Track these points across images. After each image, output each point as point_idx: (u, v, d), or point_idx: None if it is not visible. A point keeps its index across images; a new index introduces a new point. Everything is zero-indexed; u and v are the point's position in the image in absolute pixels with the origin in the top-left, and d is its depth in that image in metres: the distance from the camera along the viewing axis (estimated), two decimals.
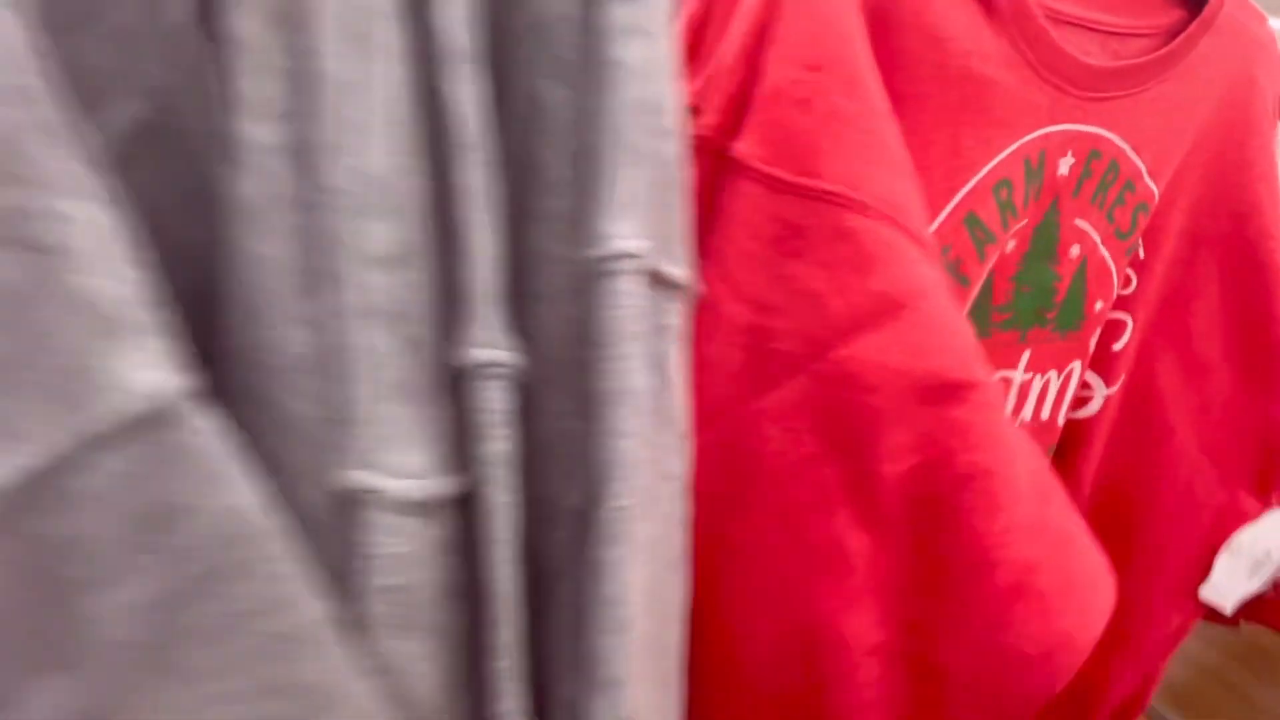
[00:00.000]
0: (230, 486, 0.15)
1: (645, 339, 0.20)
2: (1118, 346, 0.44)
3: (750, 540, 0.28)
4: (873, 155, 0.25)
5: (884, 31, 0.28)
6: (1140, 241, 0.41)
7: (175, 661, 0.15)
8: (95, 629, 0.14)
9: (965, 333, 0.28)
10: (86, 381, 0.13)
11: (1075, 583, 0.29)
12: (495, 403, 0.18)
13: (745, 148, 0.25)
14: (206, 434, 0.15)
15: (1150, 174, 0.39)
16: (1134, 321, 0.44)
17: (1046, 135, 0.34)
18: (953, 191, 0.33)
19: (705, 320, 0.26)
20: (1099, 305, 0.41)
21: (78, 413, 0.13)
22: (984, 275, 0.35)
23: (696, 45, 0.28)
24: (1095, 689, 0.55)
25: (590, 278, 0.19)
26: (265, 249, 0.17)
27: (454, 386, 0.19)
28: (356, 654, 0.17)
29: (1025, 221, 0.36)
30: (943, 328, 0.26)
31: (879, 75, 0.27)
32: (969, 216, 0.33)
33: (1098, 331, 0.42)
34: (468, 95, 0.17)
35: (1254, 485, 0.46)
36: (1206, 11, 0.37)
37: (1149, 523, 0.47)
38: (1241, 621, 0.50)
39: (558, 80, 0.19)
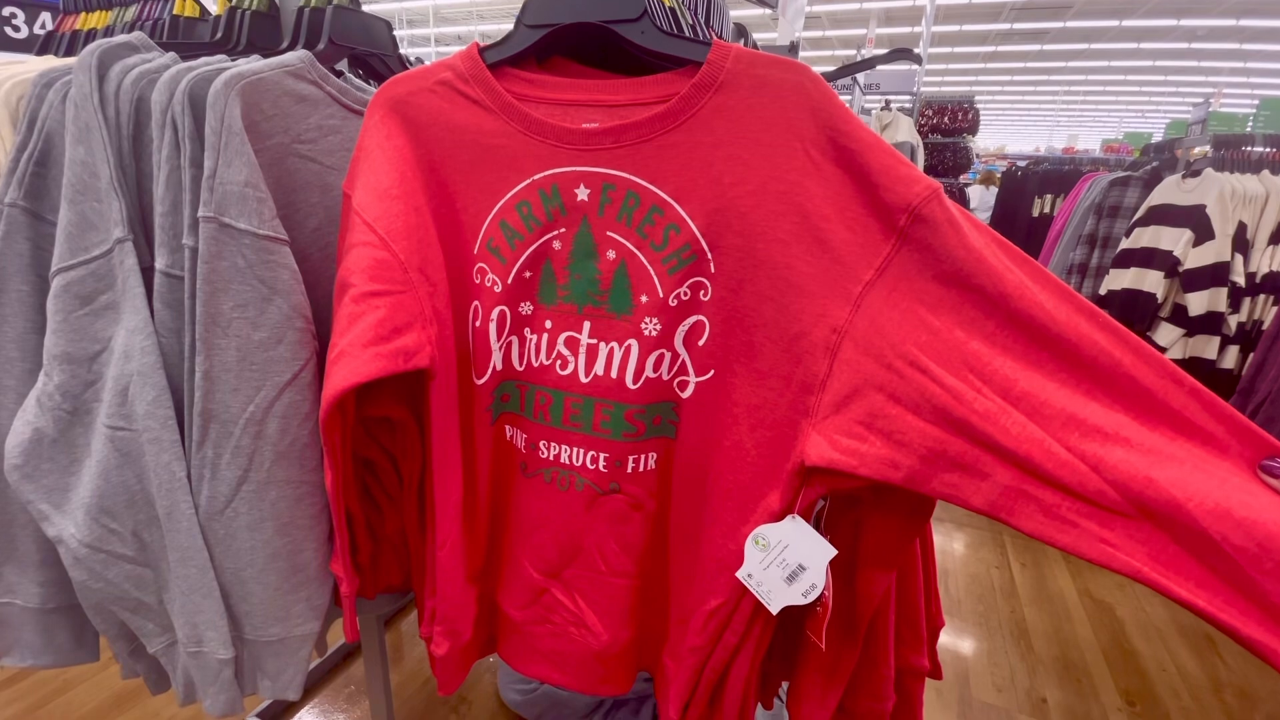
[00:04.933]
0: None
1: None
2: (701, 343, 0.53)
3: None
4: (368, 187, 0.54)
5: (421, 130, 0.56)
6: (701, 255, 0.51)
7: None
8: None
9: (372, 265, 0.53)
10: None
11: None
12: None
13: (348, 187, 0.58)
14: None
15: (677, 201, 0.50)
16: (711, 324, 0.52)
17: (553, 174, 0.53)
18: (490, 208, 0.56)
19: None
20: (644, 298, 0.53)
21: None
22: (520, 258, 0.55)
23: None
24: (656, 643, 0.60)
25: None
26: None
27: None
28: None
29: (563, 230, 0.54)
30: (357, 261, 0.53)
31: (406, 153, 0.55)
32: (502, 222, 0.56)
33: (653, 320, 0.53)
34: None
35: (784, 488, 0.47)
36: (698, 78, 0.48)
37: (708, 499, 0.53)
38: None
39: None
